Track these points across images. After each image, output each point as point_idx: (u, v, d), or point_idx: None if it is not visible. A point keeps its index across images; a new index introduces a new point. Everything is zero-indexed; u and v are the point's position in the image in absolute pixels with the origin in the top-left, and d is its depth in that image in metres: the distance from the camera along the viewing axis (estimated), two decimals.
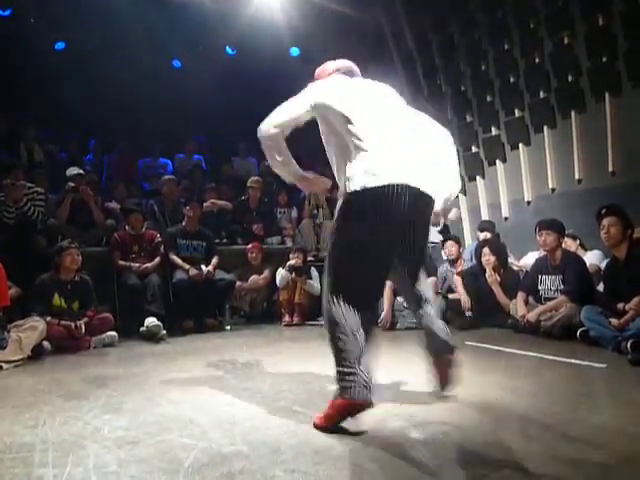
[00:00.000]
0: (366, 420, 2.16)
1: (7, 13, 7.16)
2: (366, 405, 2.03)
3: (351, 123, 2.15)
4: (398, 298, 5.12)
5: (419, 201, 2.14)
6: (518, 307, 4.41)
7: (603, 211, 3.80)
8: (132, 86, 7.26)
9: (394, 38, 7.90)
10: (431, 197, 2.22)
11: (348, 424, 2.07)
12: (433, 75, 7.42)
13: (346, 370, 2.03)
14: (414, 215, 2.15)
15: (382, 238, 2.08)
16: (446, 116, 7.26)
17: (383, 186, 2.05)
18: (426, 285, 2.48)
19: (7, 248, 4.50)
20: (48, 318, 4.09)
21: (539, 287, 4.40)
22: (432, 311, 2.44)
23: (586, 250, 4.92)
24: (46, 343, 3.99)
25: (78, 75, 7.09)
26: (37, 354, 3.84)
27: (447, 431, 2.00)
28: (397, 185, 2.06)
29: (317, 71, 2.57)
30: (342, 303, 2.06)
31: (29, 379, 3.30)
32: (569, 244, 4.83)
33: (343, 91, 2.26)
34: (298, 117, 2.21)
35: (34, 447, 1.97)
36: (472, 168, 6.97)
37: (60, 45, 7.76)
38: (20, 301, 4.27)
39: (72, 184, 5.37)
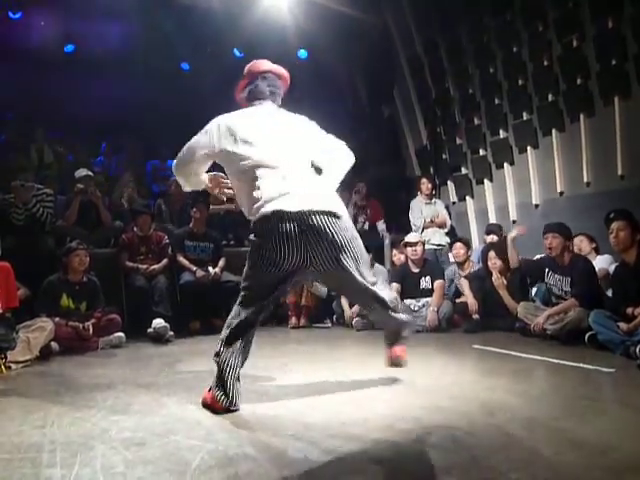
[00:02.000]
0: (372, 423, 2.16)
1: (18, 16, 7.23)
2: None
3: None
4: (405, 301, 5.12)
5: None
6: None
7: (612, 215, 3.77)
8: (141, 88, 7.31)
9: (402, 41, 7.90)
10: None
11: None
12: (441, 78, 7.41)
13: None
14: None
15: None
16: (454, 119, 7.27)
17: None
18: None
19: (16, 249, 4.53)
20: (56, 319, 4.12)
21: (547, 280, 4.38)
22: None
23: (598, 254, 4.86)
24: (54, 344, 4.02)
25: (87, 77, 7.14)
26: (45, 355, 3.87)
27: (454, 435, 2.00)
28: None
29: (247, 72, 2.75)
30: None
31: (37, 379, 3.32)
32: (584, 245, 4.78)
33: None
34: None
35: (42, 447, 1.98)
36: (480, 171, 6.95)
37: (69, 48, 7.83)
38: (28, 302, 4.30)
39: (80, 186, 5.41)
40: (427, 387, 2.80)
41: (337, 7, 7.16)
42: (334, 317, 5.66)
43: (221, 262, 5.37)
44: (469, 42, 6.86)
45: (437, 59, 7.37)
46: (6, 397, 2.86)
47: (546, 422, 2.15)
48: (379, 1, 7.65)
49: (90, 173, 5.67)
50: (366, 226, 6.72)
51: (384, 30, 7.96)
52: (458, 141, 7.28)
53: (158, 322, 4.65)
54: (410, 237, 5.43)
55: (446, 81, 7.35)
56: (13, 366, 3.54)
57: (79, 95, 7.02)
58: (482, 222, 6.81)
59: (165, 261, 5.19)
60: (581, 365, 3.22)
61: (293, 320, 5.52)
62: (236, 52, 8.44)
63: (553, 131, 5.93)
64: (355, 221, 6.69)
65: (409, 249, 5.30)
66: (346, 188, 7.81)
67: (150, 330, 4.66)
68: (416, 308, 5.10)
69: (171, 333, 4.66)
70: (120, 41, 7.27)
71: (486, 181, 6.90)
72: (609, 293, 4.12)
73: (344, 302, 5.52)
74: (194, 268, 5.17)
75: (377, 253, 5.98)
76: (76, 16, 6.95)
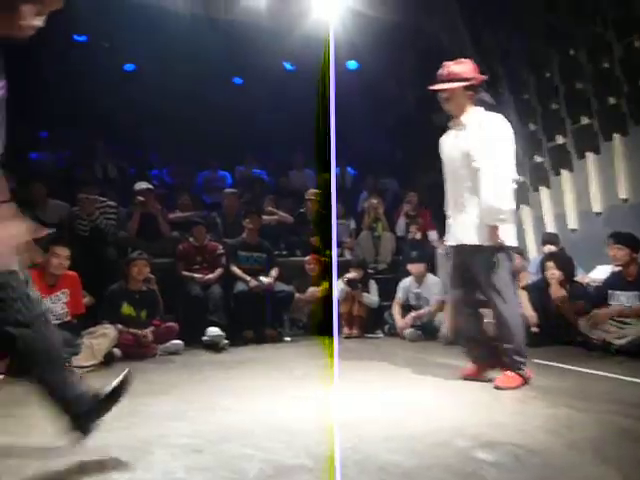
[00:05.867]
0: (431, 439, 2.12)
1: (83, 39, 7.65)
2: None
3: None
4: None
5: None
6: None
7: None
8: (195, 103, 7.55)
9: (453, 48, 7.79)
10: None
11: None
12: (495, 84, 7.25)
13: None
14: None
15: None
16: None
17: None
18: None
19: (81, 259, 4.74)
20: (118, 326, 4.28)
21: (611, 302, 4.16)
22: None
23: None
24: (116, 350, 4.18)
25: (146, 95, 7.44)
26: (108, 360, 4.03)
27: (516, 453, 1.92)
28: None
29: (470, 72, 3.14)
30: None
31: (100, 384, 3.43)
32: None
33: None
34: None
35: (106, 451, 2.05)
36: (536, 178, 6.73)
37: (129, 67, 8.21)
38: (92, 309, 4.49)
39: (141, 198, 5.63)
40: (486, 402, 2.72)
41: (386, 17, 7.16)
42: (386, 327, 5.60)
43: (274, 272, 5.43)
44: (523, 45, 6.68)
45: (490, 64, 7.22)
46: None
47: (615, 442, 2.04)
48: (430, 8, 7.58)
49: (150, 186, 5.88)
50: (417, 235, 6.64)
51: (435, 37, 7.88)
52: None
53: (213, 330, 4.75)
54: None
55: (500, 86, 7.18)
56: (77, 371, 3.69)
57: (136, 111, 7.33)
58: (538, 230, 6.58)
59: (219, 270, 5.30)
60: None
61: (346, 330, 5.51)
62: (287, 65, 8.59)
63: (615, 135, 5.67)
64: (406, 231, 6.64)
65: None
66: (396, 199, 7.79)
67: (205, 338, 4.76)
68: None
69: (226, 341, 4.74)
70: (176, 59, 7.54)
71: (543, 188, 6.67)
72: None
73: (396, 312, 5.46)
74: (248, 278, 5.26)
75: (430, 263, 5.87)
76: (133, 37, 7.25)
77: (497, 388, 2.94)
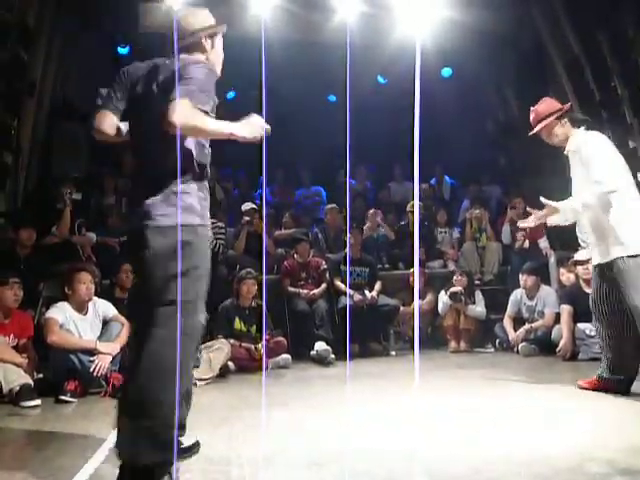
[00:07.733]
0: (558, 462, 1.99)
1: None
2: None
3: None
4: (579, 325, 4.67)
5: None
6: None
7: None
8: (294, 124, 7.81)
9: (555, 43, 7.37)
10: None
11: None
12: (605, 77, 6.75)
13: None
14: None
15: None
16: (625, 121, 6.54)
17: None
18: None
19: None
20: (232, 340, 4.49)
21: None
22: None
23: None
24: (231, 363, 4.39)
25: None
26: (224, 373, 4.24)
27: None
28: None
29: None
30: None
31: (219, 396, 3.65)
32: None
33: None
34: None
35: (231, 461, 2.16)
36: None
37: (231, 94, 8.68)
38: (207, 324, 4.75)
39: (247, 218, 5.90)
40: (620, 423, 2.50)
41: (479, 20, 6.95)
42: (497, 341, 5.36)
43: (377, 286, 5.44)
44: (637, 32, 6.15)
45: (599, 57, 6.73)
46: (195, 411, 3.16)
47: None
48: (527, 5, 7.25)
49: (254, 206, 6.16)
50: (526, 244, 6.31)
51: (535, 35, 7.52)
52: (631, 144, 6.51)
53: (320, 345, 4.83)
54: (580, 254, 4.95)
55: (612, 80, 6.67)
56: (198, 383, 3.93)
57: None
58: None
59: (324, 286, 5.40)
60: None
61: (453, 344, 5.35)
62: (380, 79, 8.61)
63: None
64: (513, 239, 6.34)
65: (580, 268, 4.83)
66: (500, 206, 7.46)
67: (313, 352, 4.85)
68: (592, 333, 4.60)
69: (333, 356, 4.78)
70: (272, 83, 7.87)
71: None
72: None
73: (507, 326, 5.21)
74: (351, 292, 5.30)
75: (541, 273, 5.55)
76: (232, 65, 7.69)
77: None
